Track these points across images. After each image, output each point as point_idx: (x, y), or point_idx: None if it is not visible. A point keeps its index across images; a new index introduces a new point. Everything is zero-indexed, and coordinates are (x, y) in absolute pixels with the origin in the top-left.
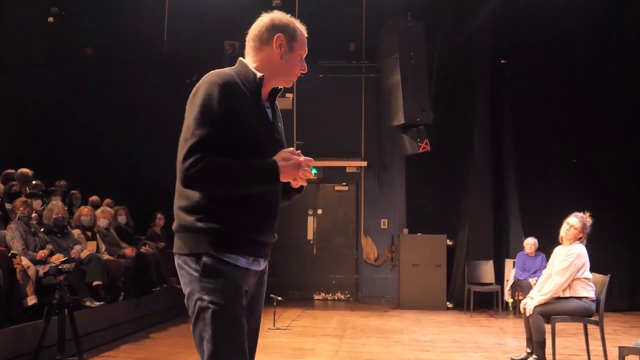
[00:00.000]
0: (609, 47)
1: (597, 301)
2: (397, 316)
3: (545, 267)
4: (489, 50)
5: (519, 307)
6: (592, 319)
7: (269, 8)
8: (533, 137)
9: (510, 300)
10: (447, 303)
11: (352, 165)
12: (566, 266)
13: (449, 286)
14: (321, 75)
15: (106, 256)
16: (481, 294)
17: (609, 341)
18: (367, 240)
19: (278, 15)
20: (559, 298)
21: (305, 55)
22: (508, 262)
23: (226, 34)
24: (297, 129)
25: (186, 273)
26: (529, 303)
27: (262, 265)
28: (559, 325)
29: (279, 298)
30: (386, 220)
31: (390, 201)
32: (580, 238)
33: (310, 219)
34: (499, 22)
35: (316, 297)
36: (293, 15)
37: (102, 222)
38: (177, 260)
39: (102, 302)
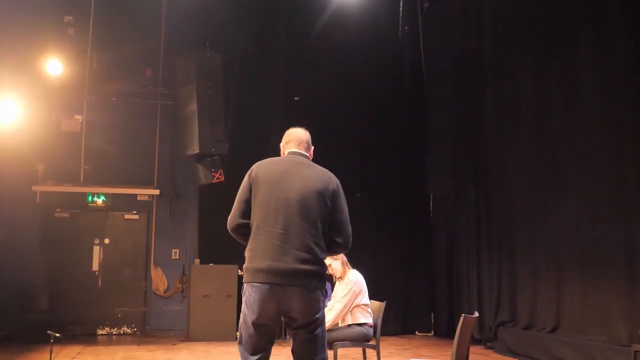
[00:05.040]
0: (390, 94)
1: (375, 326)
2: (185, 349)
3: (329, 299)
4: (283, 87)
5: None
6: (370, 343)
7: (63, 25)
8: None
9: None
10: (237, 333)
11: (144, 193)
12: (345, 293)
13: (239, 317)
14: (114, 99)
15: None
16: None
17: None
18: (157, 271)
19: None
20: (341, 326)
21: None
22: None
23: None
24: (85, 154)
25: (320, 301)
26: None
27: None
28: (341, 351)
29: (57, 334)
30: (177, 250)
31: (183, 231)
32: (347, 266)
33: (96, 249)
34: (293, 61)
35: (100, 332)
36: (86, 37)
37: None
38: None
39: None
